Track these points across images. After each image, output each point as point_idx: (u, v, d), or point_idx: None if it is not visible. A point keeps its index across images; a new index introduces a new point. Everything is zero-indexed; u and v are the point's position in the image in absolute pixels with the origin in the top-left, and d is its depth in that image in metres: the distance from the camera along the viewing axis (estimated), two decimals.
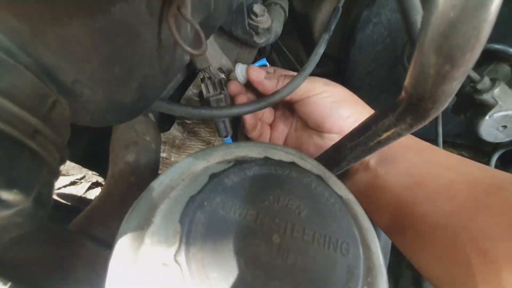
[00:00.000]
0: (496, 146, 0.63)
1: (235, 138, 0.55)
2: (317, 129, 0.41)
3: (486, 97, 0.46)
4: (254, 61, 0.50)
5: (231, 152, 0.24)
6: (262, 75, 0.42)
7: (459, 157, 0.33)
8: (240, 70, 0.43)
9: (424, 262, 0.30)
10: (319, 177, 0.22)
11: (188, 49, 0.23)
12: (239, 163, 0.22)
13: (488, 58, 0.51)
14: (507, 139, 0.50)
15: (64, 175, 0.99)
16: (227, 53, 0.46)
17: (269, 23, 0.41)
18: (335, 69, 0.61)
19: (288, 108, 0.47)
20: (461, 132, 0.65)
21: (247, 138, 0.49)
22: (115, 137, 0.36)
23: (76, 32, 0.17)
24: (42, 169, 0.18)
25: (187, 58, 0.31)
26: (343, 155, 0.27)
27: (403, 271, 0.62)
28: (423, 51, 0.15)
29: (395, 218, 0.33)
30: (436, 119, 0.48)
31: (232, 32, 0.41)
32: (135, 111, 0.28)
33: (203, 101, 0.42)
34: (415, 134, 0.30)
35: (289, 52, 0.63)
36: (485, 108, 0.47)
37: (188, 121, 0.63)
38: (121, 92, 0.23)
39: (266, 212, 0.20)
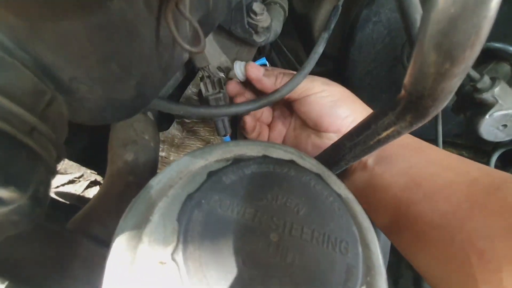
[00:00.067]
0: (496, 145, 0.63)
1: (234, 138, 0.54)
2: (316, 128, 0.41)
3: (486, 96, 0.46)
4: (254, 60, 0.49)
5: (230, 151, 0.24)
6: (260, 72, 0.42)
7: (458, 156, 0.33)
8: (238, 67, 0.43)
9: (422, 261, 0.30)
10: (318, 176, 0.22)
11: (187, 46, 0.23)
12: (238, 161, 0.21)
13: (488, 57, 0.51)
14: (507, 138, 0.50)
15: (62, 173, 0.99)
16: (226, 51, 0.45)
17: (269, 22, 0.41)
18: (335, 69, 0.61)
19: (286, 107, 0.47)
20: (461, 131, 0.65)
21: (246, 138, 0.48)
22: (113, 136, 0.35)
23: (73, 29, 0.17)
24: (38, 166, 0.17)
25: (186, 56, 0.31)
26: (342, 154, 0.27)
27: (403, 271, 0.62)
28: (422, 48, 0.15)
29: (393, 217, 0.33)
30: (436, 118, 0.47)
31: (231, 31, 0.41)
32: (133, 109, 0.28)
33: (202, 100, 0.42)
34: (415, 133, 0.30)
35: (289, 51, 0.63)
36: (485, 107, 0.47)
37: (187, 120, 0.63)
38: (119, 89, 0.23)
39: (265, 210, 0.19)
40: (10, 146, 0.16)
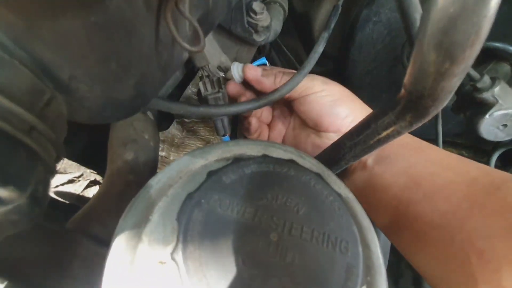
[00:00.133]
0: (496, 145, 0.63)
1: (234, 137, 0.54)
2: (315, 128, 0.41)
3: (486, 95, 0.46)
4: (254, 60, 0.49)
5: (230, 150, 0.24)
6: (258, 73, 0.42)
7: (457, 156, 0.33)
8: (236, 69, 0.43)
9: (422, 261, 0.30)
10: (318, 175, 0.22)
11: (186, 46, 0.23)
12: (237, 161, 0.21)
13: (488, 56, 0.51)
14: (507, 138, 0.50)
15: (62, 173, 0.99)
16: (226, 51, 0.45)
17: (268, 21, 0.41)
18: (335, 69, 0.61)
19: (286, 107, 0.47)
20: (461, 131, 0.65)
21: (246, 138, 0.48)
22: (113, 135, 0.35)
23: (71, 27, 0.17)
24: (37, 166, 0.17)
25: (185, 55, 0.31)
26: (342, 154, 0.26)
27: (403, 270, 0.62)
28: (422, 48, 0.15)
29: (393, 217, 0.33)
30: (436, 118, 0.47)
31: (231, 30, 0.41)
32: (132, 108, 0.28)
33: (202, 100, 0.42)
34: (415, 133, 0.30)
35: (289, 51, 0.63)
36: (485, 106, 0.47)
37: (187, 120, 0.63)
38: (118, 88, 0.23)
39: (264, 210, 0.19)
40: (9, 146, 0.16)
